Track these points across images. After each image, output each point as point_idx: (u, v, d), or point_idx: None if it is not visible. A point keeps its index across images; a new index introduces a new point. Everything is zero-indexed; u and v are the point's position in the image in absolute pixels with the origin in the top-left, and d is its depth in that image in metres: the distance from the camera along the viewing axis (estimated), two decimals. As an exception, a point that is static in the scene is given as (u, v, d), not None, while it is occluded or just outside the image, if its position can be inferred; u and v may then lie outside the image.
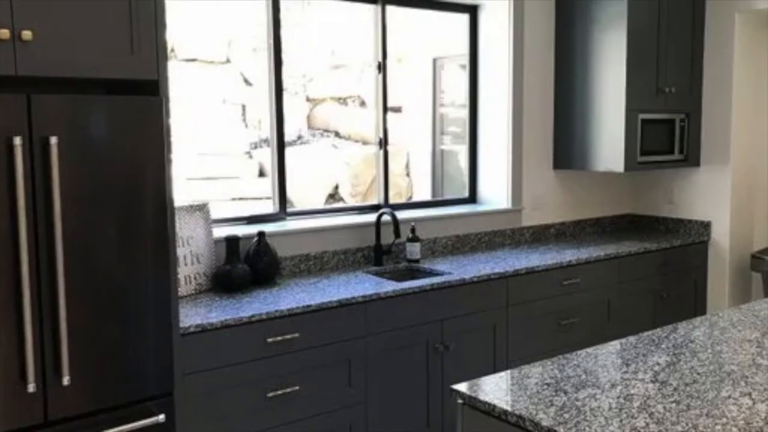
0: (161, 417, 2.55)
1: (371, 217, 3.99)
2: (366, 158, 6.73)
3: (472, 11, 4.59)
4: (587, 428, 1.71)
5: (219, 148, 6.51)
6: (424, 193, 6.38)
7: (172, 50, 6.03)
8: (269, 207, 3.94)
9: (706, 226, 4.81)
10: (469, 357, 3.64)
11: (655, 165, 4.58)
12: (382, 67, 4.19)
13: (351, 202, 6.64)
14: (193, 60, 6.44)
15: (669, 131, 4.62)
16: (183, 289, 3.21)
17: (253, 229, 3.58)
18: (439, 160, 5.69)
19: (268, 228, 3.65)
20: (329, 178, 6.89)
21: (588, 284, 4.12)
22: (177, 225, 3.18)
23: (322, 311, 3.10)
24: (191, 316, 2.86)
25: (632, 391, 1.94)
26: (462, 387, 2.00)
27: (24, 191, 2.23)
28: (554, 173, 4.77)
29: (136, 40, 2.50)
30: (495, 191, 4.62)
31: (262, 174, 6.59)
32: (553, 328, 3.99)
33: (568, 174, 4.84)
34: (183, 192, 5.46)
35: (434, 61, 5.71)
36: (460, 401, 1.98)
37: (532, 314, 3.88)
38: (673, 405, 1.84)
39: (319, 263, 3.78)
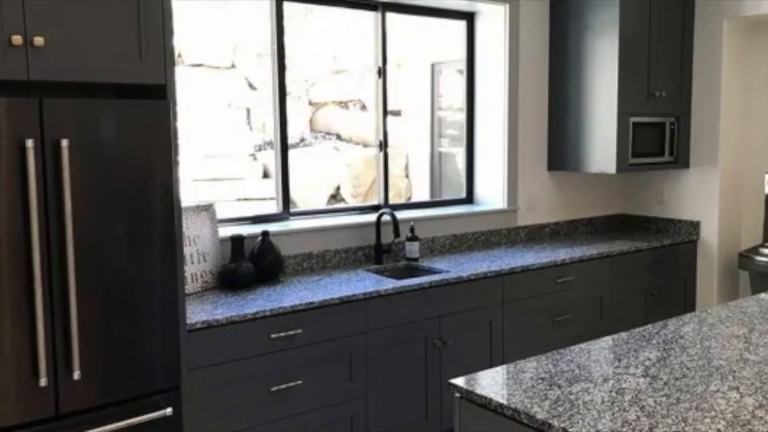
0: (168, 410, 2.55)
1: (372, 217, 3.99)
2: (366, 160, 6.73)
3: (469, 18, 4.59)
4: (580, 421, 1.71)
5: (224, 151, 6.51)
6: (422, 194, 6.38)
7: (179, 56, 6.03)
8: (273, 207, 3.94)
9: (695, 225, 4.82)
10: (466, 352, 3.64)
11: (646, 167, 4.58)
12: (382, 72, 4.19)
13: (352, 202, 6.64)
14: (200, 65, 6.44)
15: (659, 134, 4.62)
16: (190, 287, 3.21)
17: (257, 229, 3.58)
18: (437, 162, 5.68)
19: (272, 227, 3.65)
20: (331, 179, 6.89)
21: (581, 282, 4.12)
22: (184, 225, 3.18)
23: (324, 308, 3.10)
24: (197, 313, 2.86)
25: (624, 386, 1.94)
26: (459, 381, 2.00)
27: (36, 192, 2.23)
28: (548, 174, 4.77)
29: (145, 46, 2.50)
30: (491, 192, 4.62)
31: (266, 175, 6.59)
32: (547, 324, 3.99)
33: (562, 175, 4.84)
34: (190, 193, 5.45)
35: (432, 66, 5.71)
36: (457, 395, 1.98)
37: (527, 311, 3.88)
38: (664, 398, 1.84)
39: (321, 261, 3.78)
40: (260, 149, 6.74)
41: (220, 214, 3.56)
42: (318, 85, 7.07)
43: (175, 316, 2.60)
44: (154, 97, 2.57)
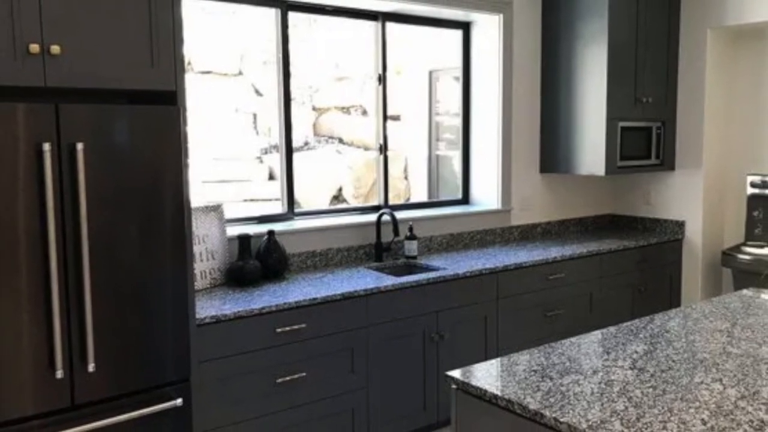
0: (179, 401, 2.55)
1: (372, 217, 3.99)
2: (367, 163, 6.73)
3: (465, 27, 4.59)
4: (571, 411, 1.71)
5: (232, 154, 6.51)
6: (420, 195, 6.37)
7: (189, 63, 6.03)
8: (278, 208, 3.94)
9: (680, 225, 4.82)
10: (462, 346, 3.64)
11: (633, 169, 4.58)
12: (382, 79, 4.19)
13: (353, 203, 6.64)
14: (209, 72, 6.44)
15: (646, 138, 4.62)
16: (199, 284, 3.21)
17: (263, 228, 3.58)
18: (434, 165, 5.68)
19: (277, 227, 3.65)
20: (333, 181, 6.88)
21: (572, 279, 4.12)
22: (193, 224, 3.18)
23: (327, 303, 3.10)
24: (206, 308, 2.86)
25: (612, 377, 1.94)
26: (456, 373, 2.00)
27: (53, 193, 2.24)
28: (541, 176, 4.77)
29: (156, 54, 2.50)
30: (486, 193, 4.62)
31: (271, 177, 6.59)
32: (539, 319, 3.99)
33: (554, 177, 4.84)
34: (199, 194, 5.45)
35: (430, 73, 5.71)
36: (454, 386, 1.98)
37: (520, 306, 3.88)
38: (650, 390, 1.84)
39: (324, 259, 3.77)
40: (266, 152, 6.73)
41: (228, 214, 3.56)
42: (321, 92, 7.07)
43: (185, 311, 2.60)
44: (165, 102, 2.57)
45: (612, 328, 2.43)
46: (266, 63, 6.33)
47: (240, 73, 6.66)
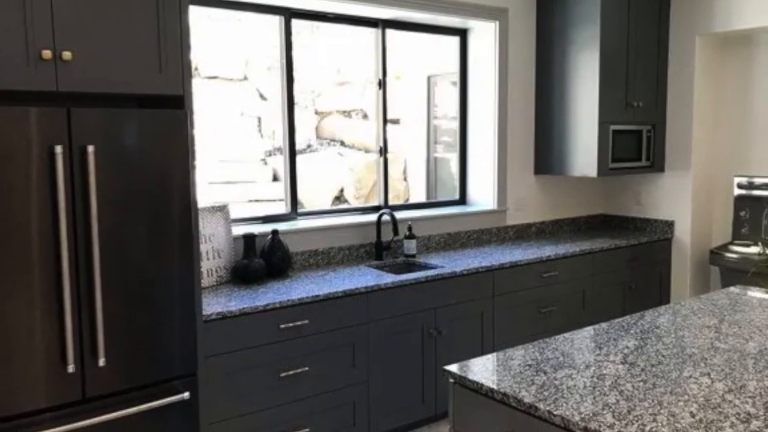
0: (186, 394, 2.55)
1: (372, 217, 3.99)
2: (368, 165, 6.73)
3: (462, 34, 4.59)
4: (564, 404, 1.71)
5: (237, 156, 6.51)
6: (419, 196, 6.37)
7: (196, 69, 6.03)
8: (282, 208, 3.94)
9: (670, 225, 4.82)
10: (459, 341, 3.64)
11: (624, 171, 4.58)
12: (382, 84, 4.19)
13: (354, 203, 6.64)
14: (215, 77, 6.44)
15: (637, 141, 4.62)
16: (205, 281, 3.21)
17: (267, 228, 3.58)
18: (432, 166, 5.69)
19: (281, 227, 3.65)
20: (335, 182, 6.88)
21: (565, 276, 4.12)
22: (200, 224, 3.18)
23: (329, 300, 3.10)
24: (213, 305, 2.86)
25: (604, 372, 1.94)
26: (453, 368, 2.00)
27: (64, 194, 2.24)
28: (535, 178, 4.77)
29: (164, 59, 2.50)
30: (482, 194, 4.62)
31: (275, 179, 6.59)
32: (534, 315, 3.99)
33: (548, 179, 4.84)
34: (205, 194, 5.44)
35: (428, 78, 5.71)
36: (451, 380, 1.98)
37: (516, 303, 3.88)
38: (641, 384, 1.84)
39: (326, 258, 3.78)
40: (270, 155, 6.73)
41: (234, 214, 3.56)
42: (323, 96, 7.07)
43: (192, 308, 2.60)
44: (173, 106, 2.57)
45: (604, 324, 2.43)
46: (270, 68, 6.33)
47: (245, 78, 6.66)
